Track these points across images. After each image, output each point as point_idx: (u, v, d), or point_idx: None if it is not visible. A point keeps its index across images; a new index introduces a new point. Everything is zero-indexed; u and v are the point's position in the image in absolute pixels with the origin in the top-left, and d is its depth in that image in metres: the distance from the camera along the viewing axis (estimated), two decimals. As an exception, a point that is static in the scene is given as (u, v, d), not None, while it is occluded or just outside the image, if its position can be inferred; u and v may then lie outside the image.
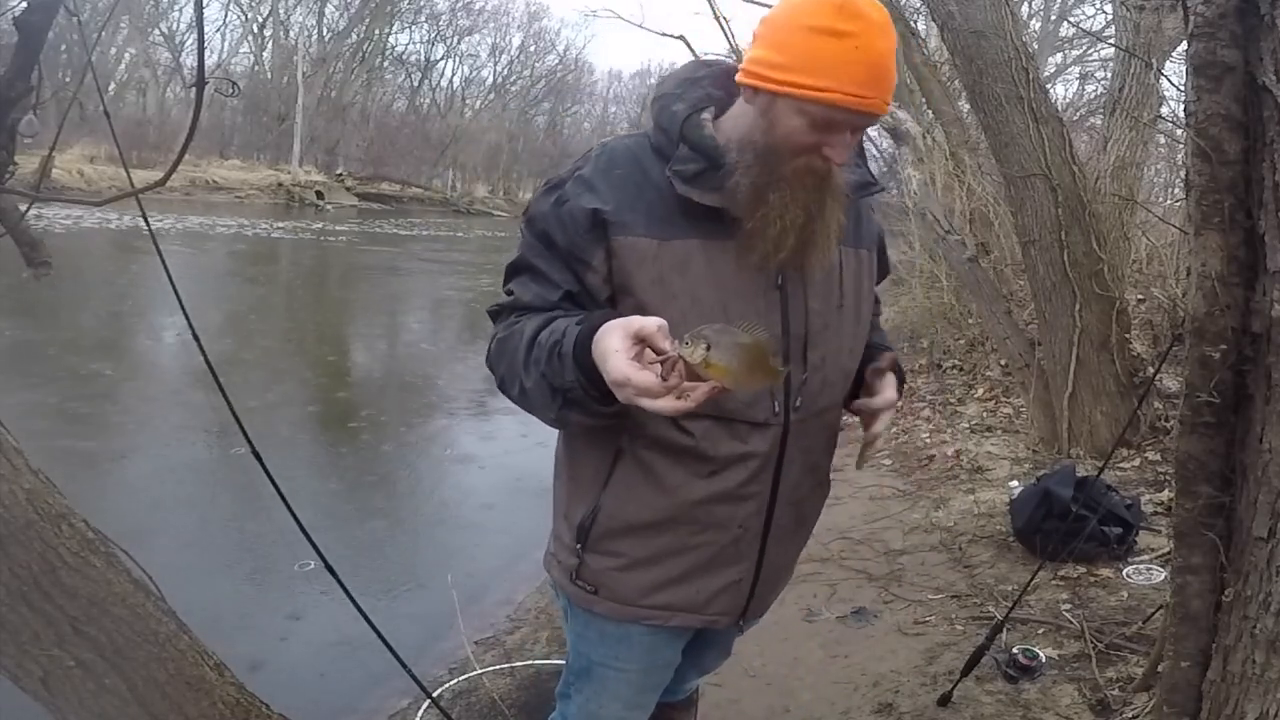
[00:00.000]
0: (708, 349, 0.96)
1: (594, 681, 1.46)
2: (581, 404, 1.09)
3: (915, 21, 9.20)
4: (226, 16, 36.19)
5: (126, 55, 33.73)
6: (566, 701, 1.54)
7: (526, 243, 1.24)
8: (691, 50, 10.04)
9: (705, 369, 0.97)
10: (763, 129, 1.15)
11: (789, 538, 1.39)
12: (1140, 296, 5.35)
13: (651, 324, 1.01)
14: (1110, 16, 11.40)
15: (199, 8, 1.36)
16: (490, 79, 46.74)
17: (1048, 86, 5.57)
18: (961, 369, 6.79)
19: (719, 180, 1.17)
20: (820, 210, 1.16)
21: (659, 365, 1.00)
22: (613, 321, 1.03)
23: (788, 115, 1.11)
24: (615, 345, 1.00)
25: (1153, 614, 2.61)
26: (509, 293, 1.24)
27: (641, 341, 1.01)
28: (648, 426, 1.23)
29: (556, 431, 1.43)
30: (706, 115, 1.21)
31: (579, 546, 1.32)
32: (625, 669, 1.43)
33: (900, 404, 1.33)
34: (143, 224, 1.79)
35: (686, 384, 0.99)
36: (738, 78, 1.18)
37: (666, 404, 0.99)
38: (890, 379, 1.34)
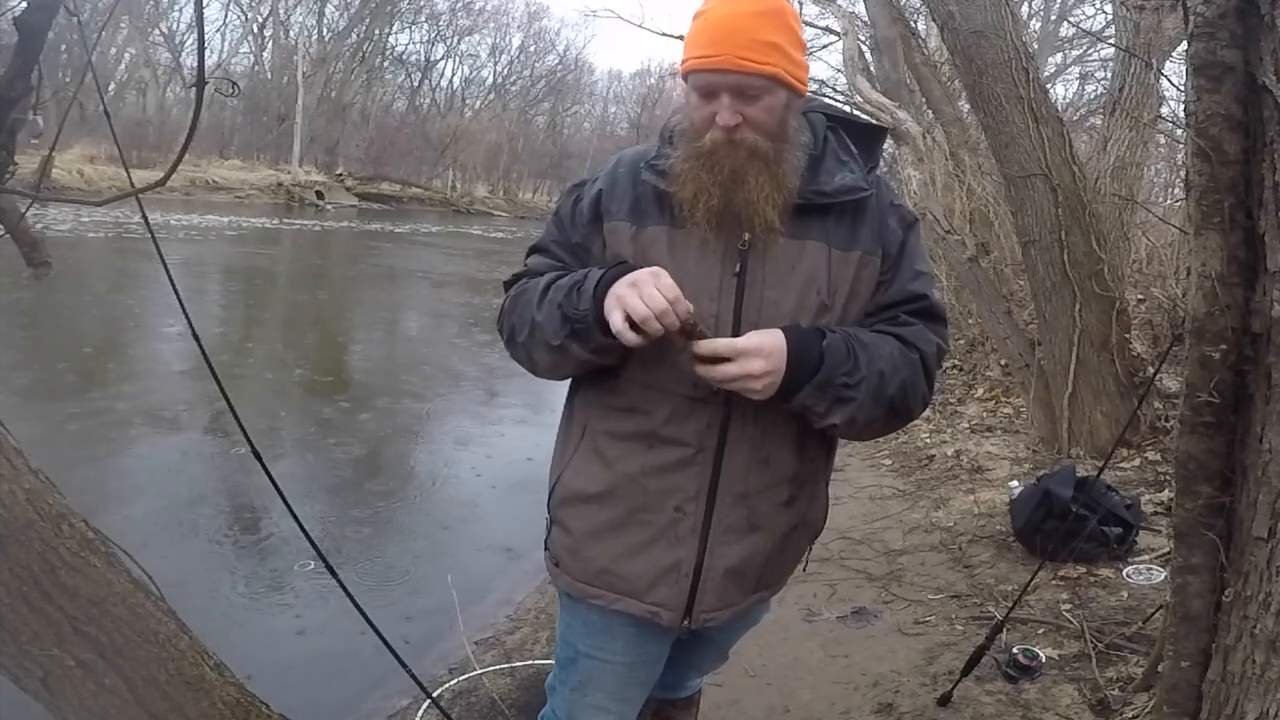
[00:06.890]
0: (701, 338, 1.22)
1: (579, 672, 1.49)
2: (585, 335, 1.26)
3: (915, 21, 9.22)
4: (226, 16, 36.20)
5: (126, 55, 33.72)
6: (554, 694, 1.58)
7: (548, 229, 1.44)
8: (691, 50, 10.02)
9: (687, 341, 1.22)
10: (685, 116, 1.32)
11: (739, 538, 1.35)
12: (1140, 296, 5.35)
13: (681, 300, 1.19)
14: (1110, 16, 11.40)
15: (199, 8, 1.36)
16: (490, 79, 46.78)
17: (1048, 86, 5.58)
18: (961, 369, 6.79)
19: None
20: (739, 176, 1.24)
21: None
22: (657, 269, 1.22)
23: (689, 97, 1.30)
24: (649, 272, 1.20)
25: (1153, 614, 2.61)
26: (525, 265, 1.43)
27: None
28: (605, 405, 1.37)
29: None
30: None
31: (548, 519, 1.47)
32: (609, 661, 1.46)
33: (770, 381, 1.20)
34: (144, 223, 1.79)
35: (670, 334, 1.19)
36: None
37: (651, 324, 1.17)
38: (770, 342, 1.22)
